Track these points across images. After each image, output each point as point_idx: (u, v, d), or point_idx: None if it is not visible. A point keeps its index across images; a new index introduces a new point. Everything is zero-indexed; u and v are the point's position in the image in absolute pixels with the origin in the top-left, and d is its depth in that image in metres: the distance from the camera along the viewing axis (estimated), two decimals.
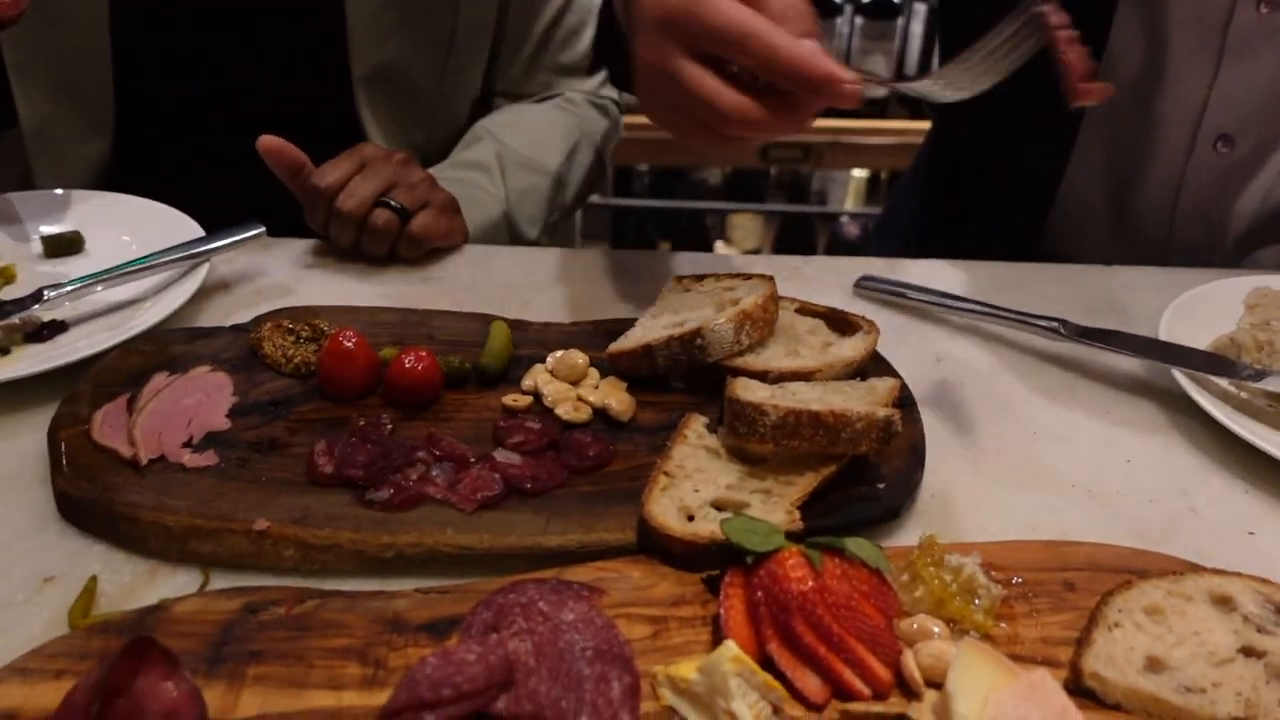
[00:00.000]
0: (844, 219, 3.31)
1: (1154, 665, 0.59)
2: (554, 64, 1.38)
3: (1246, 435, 0.78)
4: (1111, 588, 0.63)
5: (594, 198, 3.05)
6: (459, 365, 0.83)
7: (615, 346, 0.85)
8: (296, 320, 0.89)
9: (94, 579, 0.67)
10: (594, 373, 0.84)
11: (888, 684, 0.58)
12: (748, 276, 0.90)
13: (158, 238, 1.01)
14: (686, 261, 1.09)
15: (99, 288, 0.94)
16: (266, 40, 1.24)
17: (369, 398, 0.82)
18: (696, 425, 0.77)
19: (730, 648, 0.56)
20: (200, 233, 1.03)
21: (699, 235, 3.42)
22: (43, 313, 0.93)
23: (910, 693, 0.58)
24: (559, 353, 0.85)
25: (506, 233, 1.22)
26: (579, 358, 0.84)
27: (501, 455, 0.75)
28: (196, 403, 0.79)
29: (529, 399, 0.82)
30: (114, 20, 1.18)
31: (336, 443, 0.75)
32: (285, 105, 1.22)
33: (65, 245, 1.05)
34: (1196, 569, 0.65)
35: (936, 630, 0.60)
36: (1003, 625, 0.63)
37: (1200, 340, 0.89)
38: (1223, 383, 0.84)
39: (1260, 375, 0.82)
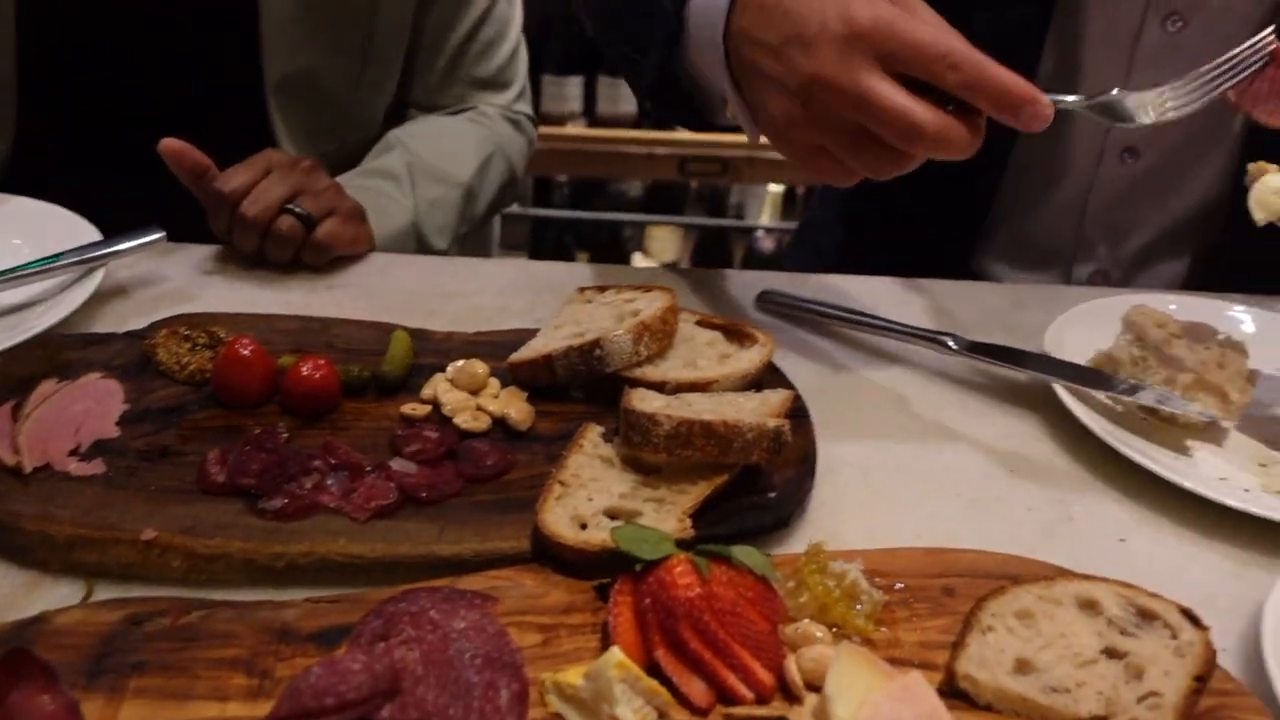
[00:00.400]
0: (760, 233, 3.36)
1: (1023, 667, 0.61)
2: (469, 77, 1.38)
3: (1120, 447, 0.81)
4: (986, 593, 0.66)
5: (513, 208, 3.05)
6: (358, 374, 0.83)
7: (515, 356, 0.85)
8: (194, 327, 0.88)
9: None
10: (494, 382, 0.85)
11: (770, 688, 0.59)
12: (649, 289, 0.91)
13: (52, 241, 0.99)
14: (595, 273, 1.10)
15: None
16: (178, 45, 1.22)
17: (266, 406, 0.81)
18: (593, 435, 0.78)
19: (615, 654, 0.57)
20: (97, 236, 1.01)
21: (617, 247, 3.45)
22: None
23: (792, 696, 0.60)
24: (460, 362, 0.85)
25: (414, 242, 1.22)
26: (479, 367, 0.84)
27: (397, 464, 0.75)
28: (85, 410, 0.78)
29: (428, 408, 0.82)
30: (19, 19, 1.15)
31: (230, 451, 0.75)
32: (196, 111, 1.20)
33: None
34: (1066, 574, 0.68)
35: (819, 635, 0.62)
36: (883, 630, 0.65)
37: (1081, 355, 0.93)
38: (1101, 396, 0.88)
39: (1135, 389, 0.86)
